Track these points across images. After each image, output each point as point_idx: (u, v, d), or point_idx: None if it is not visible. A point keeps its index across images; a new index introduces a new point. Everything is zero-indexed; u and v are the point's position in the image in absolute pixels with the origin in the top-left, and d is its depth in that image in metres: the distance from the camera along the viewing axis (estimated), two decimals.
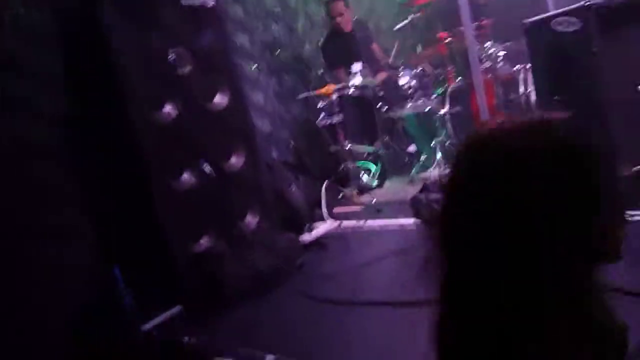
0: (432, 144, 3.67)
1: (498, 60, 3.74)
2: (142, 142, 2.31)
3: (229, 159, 2.72)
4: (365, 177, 3.75)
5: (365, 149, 3.77)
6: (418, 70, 3.53)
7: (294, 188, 2.94)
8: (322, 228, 3.04)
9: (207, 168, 2.50)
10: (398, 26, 3.52)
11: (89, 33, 2.33)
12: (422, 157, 3.83)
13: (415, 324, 1.78)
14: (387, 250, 2.53)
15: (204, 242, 2.53)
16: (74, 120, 2.51)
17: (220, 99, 2.68)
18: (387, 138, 3.84)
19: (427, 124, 3.92)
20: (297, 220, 2.93)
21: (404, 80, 3.50)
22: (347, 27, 3.92)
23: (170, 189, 2.41)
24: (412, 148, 4.21)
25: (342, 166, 3.68)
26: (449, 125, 3.62)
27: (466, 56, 3.72)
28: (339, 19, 3.86)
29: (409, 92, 3.52)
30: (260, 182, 2.83)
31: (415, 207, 2.84)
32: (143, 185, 2.35)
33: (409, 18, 3.50)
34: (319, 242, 2.84)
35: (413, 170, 3.78)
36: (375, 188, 3.79)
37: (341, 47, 3.86)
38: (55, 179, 2.45)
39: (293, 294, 2.29)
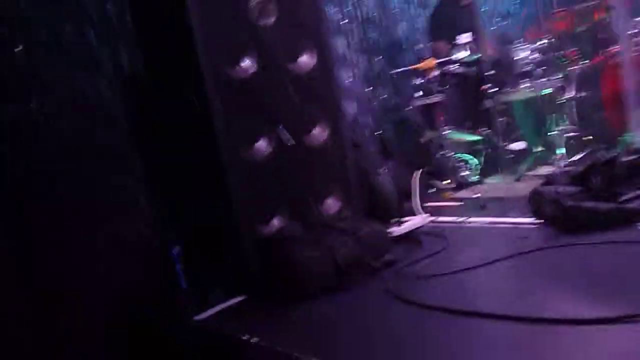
0: (547, 135, 3.08)
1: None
2: (213, 99, 1.96)
3: (310, 130, 2.33)
4: (463, 170, 3.21)
5: (466, 137, 3.24)
6: (543, 42, 2.94)
7: (383, 173, 2.49)
8: (413, 222, 2.55)
9: (285, 135, 2.11)
10: None
11: None
12: (535, 151, 3.24)
13: (543, 346, 1.25)
14: (498, 252, 2.00)
15: (276, 223, 2.15)
16: (139, 78, 2.25)
17: (305, 59, 2.29)
18: (492, 127, 3.29)
19: (540, 111, 3.32)
20: (384, 210, 2.47)
21: (523, 53, 2.92)
22: None
23: (242, 158, 2.04)
24: (516, 145, 3.62)
25: (437, 155, 3.18)
26: (573, 113, 3.00)
27: (595, 33, 3.11)
28: None
29: (528, 69, 2.94)
30: (345, 161, 2.40)
31: (535, 203, 2.28)
32: (210, 151, 2.01)
33: None
34: (412, 237, 2.36)
35: (521, 166, 3.19)
36: (474, 183, 3.25)
37: (454, 18, 3.34)
38: (118, 143, 2.20)
39: (379, 294, 1.83)
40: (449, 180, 3.29)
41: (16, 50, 2.04)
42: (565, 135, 2.94)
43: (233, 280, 2.06)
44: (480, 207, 2.75)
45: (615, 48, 3.11)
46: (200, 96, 1.95)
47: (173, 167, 2.21)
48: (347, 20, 3.72)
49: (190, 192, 2.19)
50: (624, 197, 2.04)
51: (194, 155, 2.10)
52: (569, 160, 2.83)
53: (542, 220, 2.23)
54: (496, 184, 3.22)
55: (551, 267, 1.80)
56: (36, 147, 2.02)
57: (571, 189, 2.13)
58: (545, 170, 3.16)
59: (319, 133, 2.34)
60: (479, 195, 2.80)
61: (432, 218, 2.65)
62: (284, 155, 2.17)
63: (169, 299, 2.12)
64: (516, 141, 3.69)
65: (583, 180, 2.14)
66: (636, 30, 2.96)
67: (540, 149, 3.19)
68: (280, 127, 2.12)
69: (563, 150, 2.86)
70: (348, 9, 3.76)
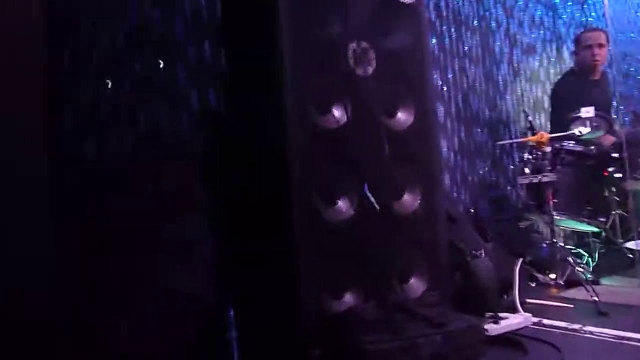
0: None
1: None
2: (294, 146, 1.74)
3: (400, 196, 2.02)
4: (574, 265, 2.70)
5: (580, 226, 2.75)
6: None
7: (481, 256, 2.09)
8: (513, 321, 2.09)
9: (370, 197, 1.82)
10: None
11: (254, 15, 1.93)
12: None
13: None
14: None
15: (348, 299, 1.81)
16: (222, 116, 2.11)
17: (403, 116, 2.03)
18: (613, 217, 2.79)
19: None
20: (479, 301, 2.05)
21: None
22: (599, 69, 3.09)
23: (319, 218, 1.77)
24: (635, 243, 3.05)
25: (543, 244, 2.72)
26: None
27: None
28: (595, 53, 3.05)
29: None
30: (437, 236, 2.05)
31: None
32: (283, 205, 1.76)
33: None
34: (512, 339, 1.91)
35: None
36: (588, 283, 2.71)
37: (582, 92, 2.98)
38: (187, 182, 2.03)
39: None
40: (554, 276, 2.78)
41: (107, 84, 2.00)
42: None
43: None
44: (600, 313, 2.23)
45: None
46: (282, 140, 1.73)
47: (242, 215, 1.99)
48: (445, 88, 3.48)
49: (255, 247, 1.94)
50: None
51: (265, 205, 1.86)
52: None
53: None
54: (615, 287, 2.67)
55: None
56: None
57: None
58: None
59: (410, 200, 2.03)
60: (596, 298, 2.28)
61: (536, 319, 2.18)
62: (367, 220, 1.87)
63: None
64: (638, 239, 3.12)
65: None
66: None
67: None
68: (366, 187, 1.84)
69: None
70: (449, 76, 3.52)
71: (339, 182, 1.85)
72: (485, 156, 3.61)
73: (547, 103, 3.90)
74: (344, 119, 1.85)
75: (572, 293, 2.63)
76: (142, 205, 1.99)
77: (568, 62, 4.05)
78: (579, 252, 2.76)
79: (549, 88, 3.95)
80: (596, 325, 2.05)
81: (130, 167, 2.01)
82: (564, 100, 3.13)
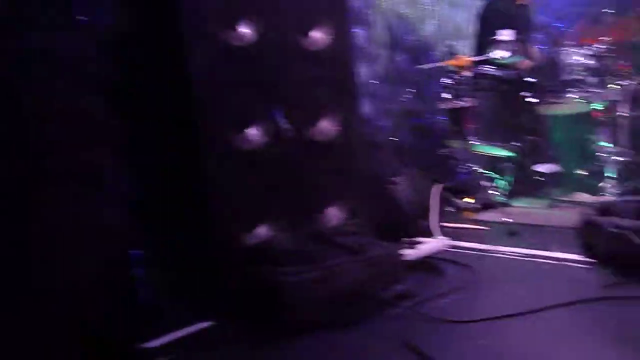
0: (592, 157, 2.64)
1: None
2: (197, 65, 1.53)
3: (317, 121, 1.90)
4: (489, 189, 2.77)
5: (496, 151, 2.79)
6: (600, 47, 2.49)
7: (400, 182, 2.05)
8: (430, 245, 2.11)
9: (282, 121, 1.68)
10: None
11: None
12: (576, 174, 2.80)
13: None
14: (543, 296, 1.56)
15: (262, 232, 1.71)
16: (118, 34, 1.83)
17: (317, 34, 1.87)
18: (529, 142, 2.85)
19: (585, 128, 2.89)
20: (398, 227, 2.03)
21: (576, 57, 2.48)
22: None
23: (227, 145, 1.61)
24: (547, 167, 3.18)
25: (460, 169, 2.75)
26: (624, 134, 2.57)
27: None
28: None
29: (579, 77, 2.50)
30: (356, 162, 1.97)
31: (588, 237, 1.84)
32: (189, 130, 1.58)
33: None
34: (430, 263, 1.92)
35: (560, 191, 2.75)
36: (501, 205, 2.81)
37: (506, 16, 2.91)
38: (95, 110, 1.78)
39: (387, 338, 1.39)
40: (471, 199, 2.85)
41: None
42: (614, 158, 2.50)
43: (200, 300, 1.62)
44: (511, 233, 2.30)
45: None
46: (182, 59, 1.52)
47: (146, 145, 1.78)
48: (370, 12, 3.31)
49: (163, 178, 1.76)
50: None
51: (170, 132, 1.67)
52: (622, 188, 2.39)
53: (595, 259, 1.80)
54: (526, 209, 2.78)
55: (620, 326, 1.35)
56: None
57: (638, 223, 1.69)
58: (585, 198, 2.72)
59: (328, 125, 1.92)
60: (509, 219, 2.35)
61: (452, 242, 2.21)
62: (282, 148, 1.74)
63: (118, 312, 1.68)
64: (548, 162, 3.25)
65: None
66: None
67: (581, 172, 2.74)
68: (276, 111, 1.69)
69: (613, 176, 2.41)
70: None
71: (249, 107, 1.69)
72: (407, 84, 3.55)
73: (468, 29, 3.86)
74: (252, 35, 1.66)
75: (487, 216, 2.71)
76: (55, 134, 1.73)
77: None
78: (494, 176, 2.83)
79: (472, 14, 3.89)
80: (508, 245, 2.11)
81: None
82: (489, 23, 3.08)
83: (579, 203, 2.59)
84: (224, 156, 1.59)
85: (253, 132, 1.69)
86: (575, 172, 2.97)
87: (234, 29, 1.64)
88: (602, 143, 2.79)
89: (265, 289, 1.49)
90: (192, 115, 1.54)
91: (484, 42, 2.95)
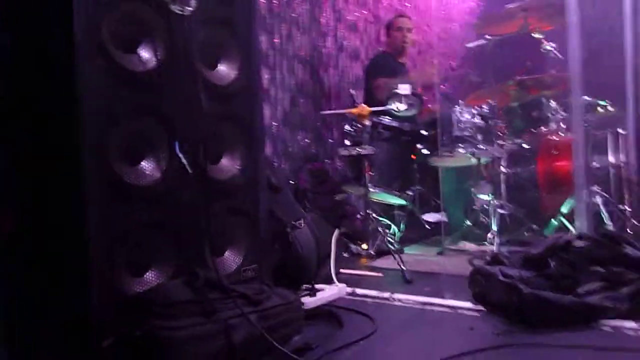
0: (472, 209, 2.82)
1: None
2: (91, 93, 1.36)
3: (218, 159, 1.79)
4: (384, 236, 2.82)
5: (389, 199, 2.87)
6: (486, 108, 2.71)
7: (302, 227, 1.99)
8: (328, 293, 2.05)
9: (182, 156, 1.55)
10: (472, 44, 2.74)
11: None
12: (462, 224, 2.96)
13: None
14: (442, 346, 1.57)
15: (150, 277, 1.52)
16: None
17: (225, 67, 1.78)
18: (418, 191, 2.98)
19: (467, 182, 3.10)
20: (298, 273, 1.95)
21: (466, 115, 2.67)
22: (407, 51, 3.27)
23: (118, 179, 1.43)
24: (431, 216, 3.36)
25: (358, 216, 2.78)
26: (502, 188, 2.79)
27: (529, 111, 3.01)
28: (405, 35, 3.19)
29: (468, 134, 2.69)
30: (257, 204, 1.87)
31: (478, 285, 1.91)
32: (73, 168, 1.37)
33: (485, 40, 2.73)
34: (329, 312, 1.85)
35: (448, 239, 2.89)
36: (395, 252, 2.86)
37: (394, 70, 3.12)
38: None
39: None
40: (366, 246, 2.87)
41: None
42: (496, 210, 2.68)
43: (66, 356, 1.37)
44: (406, 280, 2.34)
45: (548, 128, 3.02)
46: (70, 83, 1.34)
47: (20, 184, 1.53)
48: (271, 53, 3.32)
49: (31, 212, 1.51)
50: (583, 289, 1.73)
51: (48, 167, 1.45)
52: (504, 238, 2.56)
53: (486, 307, 1.86)
54: (417, 256, 2.86)
55: None
56: None
57: (525, 273, 1.79)
58: (471, 247, 2.88)
59: (229, 164, 1.81)
60: (402, 267, 2.39)
61: (350, 289, 2.18)
62: (177, 185, 1.60)
63: None
64: (434, 212, 3.43)
65: (538, 265, 1.82)
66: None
67: (467, 222, 2.91)
68: (177, 145, 1.56)
69: (495, 227, 2.59)
70: (276, 40, 3.37)
71: (144, 139, 1.53)
72: (308, 128, 3.58)
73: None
74: (153, 61, 1.53)
75: (381, 262, 2.75)
76: None
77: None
78: (388, 223, 2.89)
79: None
80: (404, 293, 2.12)
81: None
82: (381, 72, 3.26)
83: (466, 251, 2.73)
84: (111, 190, 1.41)
85: (147, 166, 1.53)
86: (461, 222, 3.16)
87: (134, 52, 1.50)
88: (482, 196, 3.02)
89: (148, 345, 1.31)
90: (77, 141, 1.35)
91: (370, 94, 3.12)
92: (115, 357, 1.32)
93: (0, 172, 1.46)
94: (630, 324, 1.65)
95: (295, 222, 1.97)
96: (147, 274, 1.52)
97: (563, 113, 3.03)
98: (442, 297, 2.03)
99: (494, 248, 2.42)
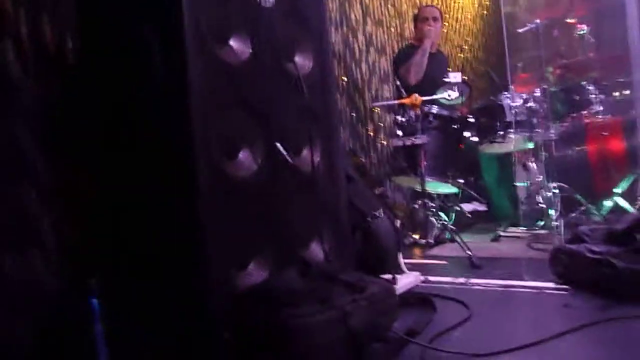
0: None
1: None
2: (196, 89, 1.35)
3: (300, 151, 1.78)
4: (437, 225, 2.82)
5: (441, 188, 2.87)
6: (538, 92, 2.71)
7: (382, 216, 1.99)
8: (407, 280, 2.05)
9: (281, 148, 1.55)
10: (523, 29, 2.74)
11: None
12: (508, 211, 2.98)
13: None
14: (542, 324, 1.57)
15: (254, 270, 1.52)
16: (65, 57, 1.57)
17: (301, 59, 1.78)
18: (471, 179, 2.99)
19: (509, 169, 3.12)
20: (381, 263, 1.95)
21: (517, 101, 2.68)
22: (435, 43, 3.28)
23: (221, 173, 1.43)
24: (468, 206, 3.37)
25: (414, 206, 2.78)
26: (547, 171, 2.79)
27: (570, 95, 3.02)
28: (431, 25, 3.19)
29: (518, 118, 2.70)
30: (338, 196, 1.87)
31: (561, 264, 1.91)
32: (181, 162, 1.37)
33: (535, 24, 2.71)
34: (422, 297, 1.85)
35: (502, 226, 2.90)
36: (450, 241, 2.86)
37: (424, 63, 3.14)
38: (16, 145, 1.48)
39: None
40: (418, 235, 2.87)
41: None
42: (549, 193, 2.69)
43: (190, 351, 1.36)
44: (474, 266, 2.33)
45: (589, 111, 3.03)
46: (177, 74, 1.33)
47: (97, 178, 1.51)
48: None
49: (125, 211, 1.50)
50: None
51: (145, 160, 1.44)
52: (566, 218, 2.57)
53: (569, 284, 1.87)
54: (471, 244, 2.86)
55: (627, 344, 1.39)
56: None
57: (612, 248, 1.79)
58: (522, 231, 2.89)
59: (310, 156, 1.81)
60: (470, 253, 2.39)
61: (426, 277, 2.18)
62: (270, 177, 1.59)
63: None
64: (474, 200, 3.44)
65: (623, 240, 1.82)
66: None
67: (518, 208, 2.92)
68: (277, 139, 1.55)
69: (552, 211, 2.59)
70: None
71: (240, 131, 1.53)
72: (342, 124, 3.57)
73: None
74: (247, 53, 1.53)
75: (437, 251, 2.75)
76: None
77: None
78: (441, 212, 2.89)
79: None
80: (478, 278, 2.12)
81: None
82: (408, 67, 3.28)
83: (518, 237, 2.75)
84: (216, 182, 1.40)
85: (244, 158, 1.53)
86: (507, 210, 3.16)
87: (228, 45, 1.49)
88: (519, 183, 3.04)
89: (273, 335, 1.30)
90: (184, 138, 1.34)
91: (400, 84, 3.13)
92: (239, 348, 1.31)
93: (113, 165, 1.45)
94: None
95: (374, 212, 1.97)
96: (251, 266, 1.52)
97: (601, 96, 3.05)
98: (522, 279, 2.03)
99: (554, 230, 2.42)
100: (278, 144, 1.54)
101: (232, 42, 1.51)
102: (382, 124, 3.87)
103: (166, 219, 1.41)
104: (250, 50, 1.53)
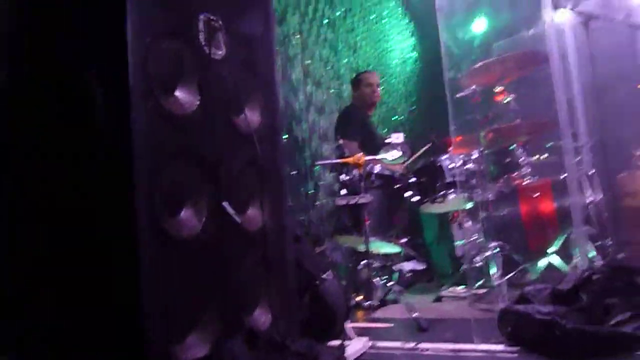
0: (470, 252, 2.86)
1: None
2: (139, 136, 1.23)
3: (245, 208, 1.68)
4: (382, 286, 2.76)
5: (389, 248, 2.84)
6: (476, 154, 2.80)
7: (331, 278, 1.89)
8: (355, 346, 1.94)
9: (228, 207, 1.44)
10: (460, 94, 2.86)
11: None
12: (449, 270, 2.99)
13: None
14: None
15: (196, 343, 1.35)
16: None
17: (250, 113, 1.71)
18: (408, 239, 2.98)
19: (449, 228, 3.17)
20: (329, 328, 1.83)
21: (458, 162, 2.75)
22: (373, 106, 3.39)
23: (160, 232, 1.29)
24: (407, 265, 3.37)
25: (359, 267, 2.71)
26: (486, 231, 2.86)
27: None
28: (376, 91, 3.30)
29: (457, 179, 2.76)
30: (285, 257, 1.76)
31: (509, 324, 1.89)
32: (120, 218, 1.22)
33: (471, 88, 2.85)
34: None
35: (444, 286, 2.89)
36: (393, 303, 2.80)
37: (365, 124, 3.21)
38: None
39: None
40: (360, 297, 2.78)
41: None
42: (488, 252, 2.73)
43: None
44: (422, 329, 2.27)
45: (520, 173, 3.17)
46: (119, 125, 1.21)
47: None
48: None
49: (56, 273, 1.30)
50: (615, 320, 1.77)
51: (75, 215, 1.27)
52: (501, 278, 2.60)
53: (519, 345, 1.84)
54: (416, 304, 2.82)
55: None
56: None
57: (560, 308, 1.80)
58: (462, 291, 2.90)
59: (257, 214, 1.71)
60: (416, 314, 2.33)
61: (374, 342, 2.08)
62: (217, 236, 1.47)
63: None
64: (413, 259, 3.44)
65: (568, 300, 1.84)
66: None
67: (458, 268, 2.94)
68: (224, 197, 1.45)
69: (494, 269, 2.62)
70: None
71: (185, 185, 1.41)
72: None
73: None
74: (194, 104, 1.44)
75: (381, 313, 2.66)
76: None
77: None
78: (383, 273, 2.84)
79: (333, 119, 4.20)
80: (427, 342, 2.05)
81: None
82: (351, 126, 3.34)
83: (460, 296, 2.75)
84: (157, 246, 1.26)
85: (188, 216, 1.40)
86: (448, 268, 3.18)
87: (174, 95, 1.40)
88: (457, 242, 3.10)
89: None
90: (124, 193, 1.21)
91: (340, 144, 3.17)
92: None
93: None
94: None
95: (323, 275, 1.87)
96: (191, 338, 1.35)
97: (529, 159, 3.22)
98: (471, 342, 1.99)
99: (497, 290, 2.44)
100: (225, 204, 1.43)
101: (178, 93, 1.43)
102: (322, 182, 3.85)
103: (99, 285, 1.24)
104: (198, 102, 1.45)
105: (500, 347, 1.88)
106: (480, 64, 2.73)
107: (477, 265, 2.85)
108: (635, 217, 3.14)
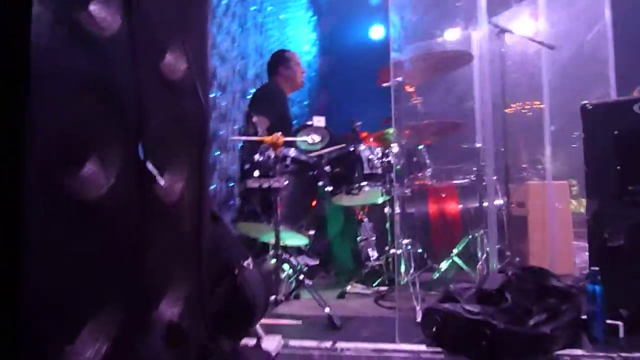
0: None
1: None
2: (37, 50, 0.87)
3: (161, 172, 1.34)
4: (287, 280, 2.54)
5: (297, 240, 2.63)
6: (396, 147, 2.69)
7: (251, 268, 1.61)
8: (270, 345, 1.70)
9: (150, 165, 1.11)
10: (386, 84, 2.71)
11: None
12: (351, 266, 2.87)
13: None
14: None
15: (90, 341, 1.00)
16: None
17: (173, 58, 1.38)
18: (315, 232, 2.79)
19: (354, 224, 3.07)
20: (245, 323, 1.56)
21: (374, 153, 2.63)
22: (297, 88, 3.18)
23: (55, 191, 0.92)
24: (303, 259, 3.23)
25: (266, 259, 2.46)
26: (396, 227, 2.80)
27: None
28: (302, 72, 3.09)
29: (374, 171, 2.64)
30: (201, 239, 1.45)
31: (434, 324, 1.79)
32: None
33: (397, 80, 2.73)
34: None
35: (349, 285, 2.76)
36: (296, 298, 2.60)
37: (283, 105, 2.98)
38: None
39: None
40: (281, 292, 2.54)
41: None
42: (399, 250, 2.66)
43: None
44: (334, 326, 2.10)
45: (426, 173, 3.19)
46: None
47: None
48: None
49: None
50: (533, 320, 1.77)
51: None
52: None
53: (443, 346, 1.76)
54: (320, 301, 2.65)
55: None
56: None
57: (487, 308, 1.74)
58: (363, 288, 2.81)
59: (172, 182, 1.38)
60: (328, 310, 2.15)
61: (287, 340, 1.85)
62: (127, 203, 1.13)
63: None
64: (304, 254, 3.28)
65: (495, 299, 1.80)
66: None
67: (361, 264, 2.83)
68: (140, 149, 1.11)
69: (405, 267, 2.55)
70: None
71: (92, 127, 1.05)
72: None
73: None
74: (114, 26, 1.09)
75: (285, 309, 2.44)
76: None
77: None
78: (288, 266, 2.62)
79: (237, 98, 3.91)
80: (344, 341, 1.88)
81: None
82: (271, 107, 3.11)
83: (363, 294, 2.66)
84: (49, 210, 0.90)
85: (93, 171, 1.04)
86: (349, 264, 3.08)
87: (88, 10, 1.04)
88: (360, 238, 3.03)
89: None
90: (10, 134, 0.83)
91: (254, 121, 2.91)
92: None
93: None
94: (577, 352, 1.72)
95: (243, 262, 1.59)
96: (83, 335, 1.00)
97: (432, 161, 3.26)
98: (392, 341, 1.86)
99: (406, 287, 2.36)
100: (149, 163, 1.10)
101: (94, 7, 1.06)
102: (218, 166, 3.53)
103: None
104: (120, 23, 1.10)
105: (422, 347, 1.78)
106: (408, 56, 2.66)
107: (377, 263, 2.79)
108: (519, 226, 3.32)
